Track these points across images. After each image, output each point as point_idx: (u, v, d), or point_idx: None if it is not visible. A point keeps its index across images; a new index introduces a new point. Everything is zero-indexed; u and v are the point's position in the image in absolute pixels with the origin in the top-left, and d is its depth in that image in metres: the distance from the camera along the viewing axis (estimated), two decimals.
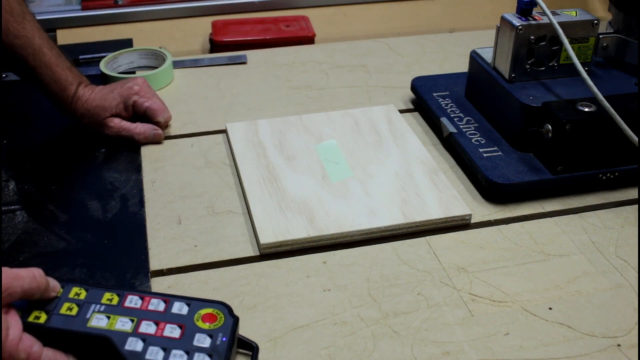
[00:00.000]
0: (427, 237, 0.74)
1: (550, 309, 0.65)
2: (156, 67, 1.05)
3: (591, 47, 0.84)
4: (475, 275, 0.69)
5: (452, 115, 0.90)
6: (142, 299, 0.58)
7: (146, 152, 0.89)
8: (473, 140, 0.85)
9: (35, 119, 0.97)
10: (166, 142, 0.91)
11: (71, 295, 0.58)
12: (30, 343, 0.53)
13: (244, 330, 0.61)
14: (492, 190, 0.79)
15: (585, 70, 0.79)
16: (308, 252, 0.72)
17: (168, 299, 0.59)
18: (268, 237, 0.72)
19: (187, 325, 0.57)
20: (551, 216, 0.78)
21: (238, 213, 0.77)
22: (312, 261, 0.71)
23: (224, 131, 0.92)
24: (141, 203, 0.79)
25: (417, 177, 0.81)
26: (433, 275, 0.69)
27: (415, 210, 0.76)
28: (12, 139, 0.91)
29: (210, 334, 0.56)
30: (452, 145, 0.87)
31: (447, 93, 0.96)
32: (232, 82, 1.06)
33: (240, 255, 0.72)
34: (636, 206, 0.79)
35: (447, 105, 0.93)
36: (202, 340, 0.56)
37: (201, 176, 0.84)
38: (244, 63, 1.11)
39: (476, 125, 0.88)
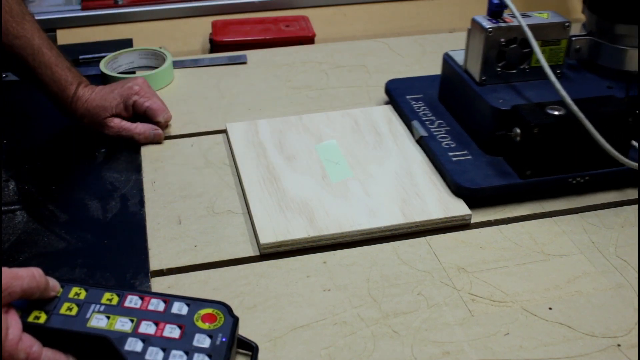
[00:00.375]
0: (427, 237, 0.74)
1: (550, 309, 0.65)
2: (156, 67, 1.05)
3: (563, 50, 0.83)
4: (475, 275, 0.69)
5: (424, 119, 0.89)
6: (142, 299, 0.58)
7: (146, 152, 0.89)
8: (443, 144, 0.84)
9: (35, 119, 0.97)
10: (166, 142, 0.91)
11: (71, 295, 0.58)
12: (30, 343, 0.53)
13: (244, 330, 0.61)
14: (460, 194, 0.78)
15: (557, 73, 0.77)
16: (308, 252, 0.72)
17: (168, 299, 0.59)
18: (268, 237, 0.72)
19: (186, 326, 0.57)
20: (551, 216, 0.78)
21: (238, 213, 0.77)
22: (312, 261, 0.71)
23: (224, 131, 0.92)
24: (141, 203, 0.79)
25: (417, 177, 0.81)
26: (433, 275, 0.69)
27: (415, 210, 0.76)
28: (12, 139, 0.91)
29: (210, 334, 0.56)
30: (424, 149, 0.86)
31: (421, 96, 0.94)
32: (232, 82, 1.06)
33: (240, 255, 0.72)
34: (636, 206, 0.79)
35: (419, 108, 0.91)
36: (202, 341, 0.56)
37: (201, 176, 0.84)
38: (244, 63, 1.11)
39: (448, 128, 0.87)
